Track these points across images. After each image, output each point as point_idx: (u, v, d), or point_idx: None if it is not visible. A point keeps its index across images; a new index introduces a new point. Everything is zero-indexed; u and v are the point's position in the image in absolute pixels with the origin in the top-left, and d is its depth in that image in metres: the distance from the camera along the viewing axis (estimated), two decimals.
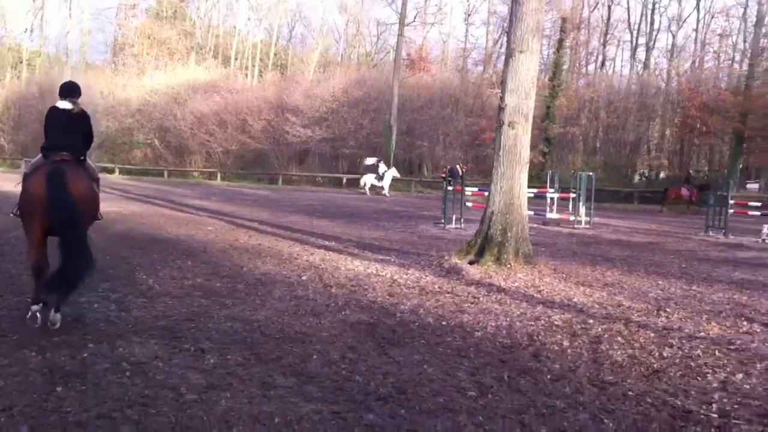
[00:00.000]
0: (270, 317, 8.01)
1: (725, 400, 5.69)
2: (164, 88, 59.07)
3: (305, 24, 79.82)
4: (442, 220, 20.46)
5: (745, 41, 48.07)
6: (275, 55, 71.25)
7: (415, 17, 59.39)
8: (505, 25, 52.83)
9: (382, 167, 39.20)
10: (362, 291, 9.90)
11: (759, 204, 24.91)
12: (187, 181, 49.37)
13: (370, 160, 40.11)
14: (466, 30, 63.92)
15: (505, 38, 52.47)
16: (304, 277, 10.83)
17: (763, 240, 19.05)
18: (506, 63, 12.84)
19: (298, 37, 78.79)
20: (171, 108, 55.53)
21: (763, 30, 43.64)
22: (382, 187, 38.59)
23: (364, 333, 7.49)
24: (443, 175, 22.62)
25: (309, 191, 41.94)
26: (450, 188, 21.12)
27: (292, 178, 50.04)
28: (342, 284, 10.36)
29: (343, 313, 8.43)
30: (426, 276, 11.28)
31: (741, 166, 42.56)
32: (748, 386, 6.09)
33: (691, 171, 42.34)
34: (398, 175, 41.25)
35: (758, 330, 8.29)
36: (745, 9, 48.46)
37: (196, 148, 54.44)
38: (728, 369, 6.58)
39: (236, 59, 69.87)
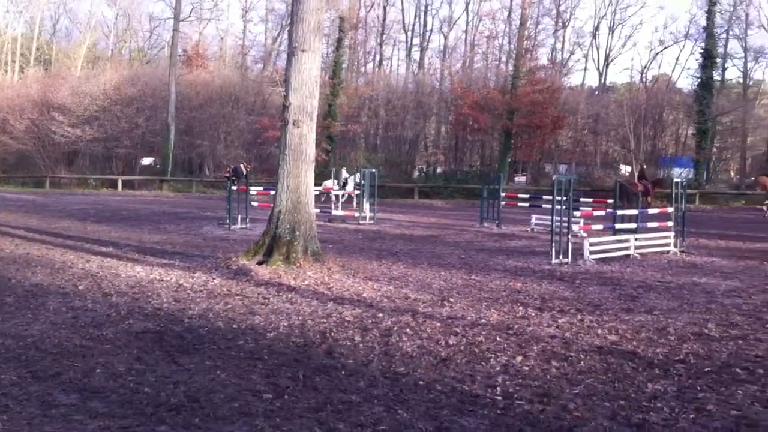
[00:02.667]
0: (45, 331, 7.44)
1: (508, 383, 6.00)
2: None
3: (71, 17, 75.45)
4: (227, 221, 20.07)
5: (510, 43, 51.38)
6: (38, 50, 66.36)
7: (190, 12, 57.76)
8: (284, 22, 53.06)
9: (344, 173, 37.78)
10: (146, 298, 9.46)
11: (527, 196, 26.76)
12: None
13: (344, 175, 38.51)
14: (244, 27, 63.02)
15: (284, 36, 52.47)
16: (80, 287, 10.18)
17: (532, 230, 20.46)
18: (289, 62, 12.80)
19: (63, 31, 73.93)
20: None
21: (526, 32, 46.86)
22: (345, 192, 36.89)
23: (151, 342, 7.15)
24: (227, 175, 22.23)
25: (81, 194, 39.54)
26: (234, 188, 20.76)
27: (60, 181, 46.78)
28: (123, 292, 9.84)
29: (126, 322, 8.00)
30: (213, 279, 11.00)
31: (510, 160, 45.43)
32: (527, 368, 6.47)
33: (644, 166, 44.41)
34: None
35: (533, 314, 8.86)
36: (510, 12, 51.86)
37: None
38: (509, 353, 6.96)
39: None
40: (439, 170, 49.28)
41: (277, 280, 10.89)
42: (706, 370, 6.47)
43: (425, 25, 58.05)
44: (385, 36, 57.12)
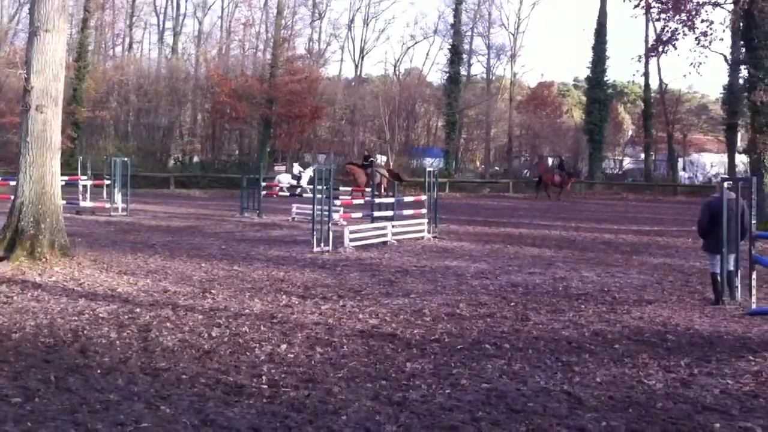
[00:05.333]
0: None
1: (273, 371, 5.98)
2: None
3: None
4: None
5: (267, 31, 51.19)
6: None
7: None
8: (24, 0, 49.03)
9: (296, 168, 33.95)
10: None
11: (287, 185, 26.86)
12: None
13: (296, 169, 34.43)
14: None
15: (23, 14, 48.48)
16: None
17: (293, 219, 20.59)
18: (30, 42, 11.85)
19: None
20: None
21: (283, 21, 46.91)
22: (301, 186, 33.06)
23: None
24: None
25: None
26: None
27: None
28: None
29: None
30: None
31: (269, 149, 45.36)
32: (292, 355, 6.48)
33: (563, 157, 43.72)
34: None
35: (296, 302, 8.92)
36: (267, 1, 51.63)
37: None
38: (273, 341, 6.94)
39: None
40: (196, 159, 48.10)
41: (20, 277, 10.07)
42: (459, 347, 6.85)
43: (178, 9, 56.11)
44: (135, 18, 54.58)
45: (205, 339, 6.97)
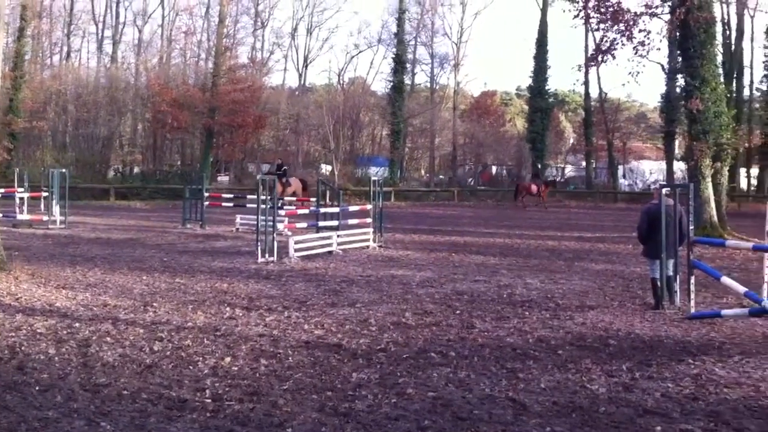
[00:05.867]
0: None
1: (217, 385, 5.90)
2: None
3: None
4: None
5: (209, 40, 50.71)
6: None
7: None
8: None
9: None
10: None
11: (231, 195, 26.60)
12: None
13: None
14: None
15: None
16: None
17: (237, 230, 20.39)
18: None
19: None
20: None
21: (225, 30, 46.54)
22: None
23: None
24: None
25: None
26: None
27: None
28: None
29: None
30: None
31: (212, 159, 44.85)
32: (236, 368, 6.40)
33: (539, 165, 43.16)
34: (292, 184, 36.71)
35: (240, 314, 8.81)
36: (208, 8, 51.12)
37: None
38: (217, 354, 6.84)
39: None
40: (136, 170, 47.30)
41: None
42: (405, 356, 6.85)
43: (117, 17, 55.16)
44: (73, 26, 53.49)
45: (147, 353, 6.84)
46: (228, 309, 9.13)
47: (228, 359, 6.68)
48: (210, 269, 12.83)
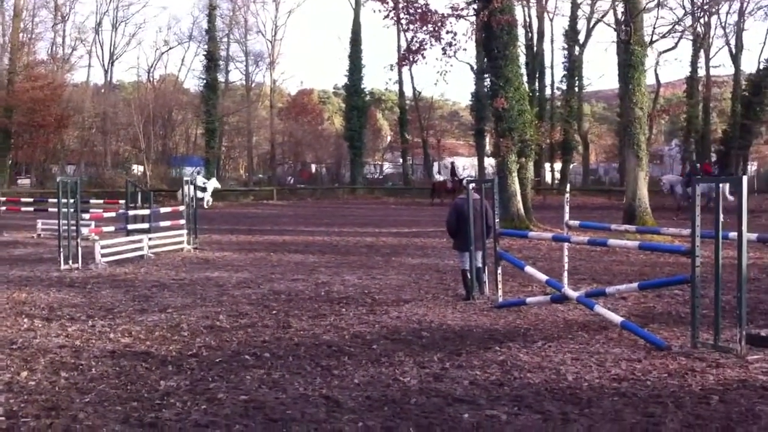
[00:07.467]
0: None
1: (12, 401, 5.45)
2: None
3: None
4: None
5: (4, 35, 47.29)
6: None
7: None
8: None
9: (200, 179, 29.28)
10: None
11: (31, 200, 24.95)
12: None
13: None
14: None
15: None
16: None
17: (39, 235, 19.14)
18: None
19: None
20: None
21: (22, 24, 43.59)
22: (202, 199, 29.26)
23: None
24: None
25: None
26: None
27: None
28: None
29: None
30: None
31: (11, 162, 41.98)
32: (33, 383, 5.95)
33: (455, 164, 40.54)
34: (219, 186, 37.76)
35: (39, 325, 8.23)
36: (2, 1, 47.62)
37: None
38: (12, 369, 6.34)
39: None
40: None
41: None
42: (217, 360, 6.65)
43: None
44: None
45: None
46: (26, 320, 8.50)
47: (24, 373, 6.19)
48: (7, 278, 11.92)
